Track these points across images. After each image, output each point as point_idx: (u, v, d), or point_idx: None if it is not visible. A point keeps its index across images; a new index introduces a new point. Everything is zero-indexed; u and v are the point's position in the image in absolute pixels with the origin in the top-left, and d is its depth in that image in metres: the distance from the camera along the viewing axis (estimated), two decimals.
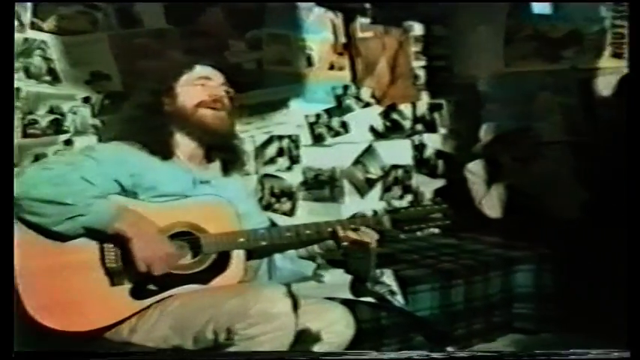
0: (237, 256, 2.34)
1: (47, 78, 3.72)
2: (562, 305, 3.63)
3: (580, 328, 3.38)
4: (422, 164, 4.75)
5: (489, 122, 4.64)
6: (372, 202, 4.53)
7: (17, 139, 3.60)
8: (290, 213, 4.33)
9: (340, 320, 2.36)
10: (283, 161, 4.45)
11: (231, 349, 2.08)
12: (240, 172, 2.65)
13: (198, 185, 2.42)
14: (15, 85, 3.57)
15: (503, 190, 4.38)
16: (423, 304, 3.33)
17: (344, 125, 4.59)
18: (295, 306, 2.09)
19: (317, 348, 2.23)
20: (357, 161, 4.58)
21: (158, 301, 2.22)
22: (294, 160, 4.46)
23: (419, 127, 4.74)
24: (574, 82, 4.92)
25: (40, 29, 3.68)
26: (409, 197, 4.72)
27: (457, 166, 4.61)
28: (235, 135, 2.59)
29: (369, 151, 4.60)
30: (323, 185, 4.50)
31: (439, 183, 4.85)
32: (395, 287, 3.14)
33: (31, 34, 3.66)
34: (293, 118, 4.46)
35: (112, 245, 2.20)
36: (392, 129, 4.68)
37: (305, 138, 4.50)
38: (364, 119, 4.63)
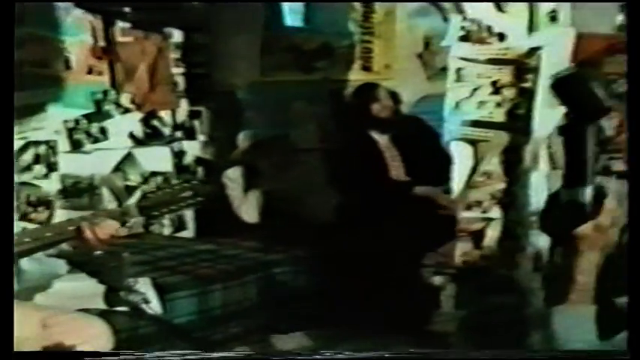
0: None
1: None
2: (318, 304, 3.81)
3: (334, 324, 3.59)
4: (182, 171, 4.78)
5: (247, 129, 4.79)
6: None
7: None
8: (47, 222, 4.19)
9: (100, 335, 2.33)
10: (40, 168, 4.31)
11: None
12: None
13: None
14: None
15: (260, 196, 4.54)
16: (181, 311, 3.36)
17: (103, 131, 4.51)
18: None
19: None
20: (117, 168, 4.53)
21: None
22: (52, 167, 4.33)
23: (178, 133, 4.77)
24: (326, 92, 5.21)
25: None
26: None
27: (216, 172, 4.70)
28: None
29: (128, 157, 4.56)
30: (82, 193, 4.40)
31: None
32: (150, 295, 3.14)
33: None
34: (51, 123, 4.33)
35: None
36: (152, 135, 4.67)
37: (63, 144, 4.38)
38: (124, 125, 4.57)
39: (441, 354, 2.30)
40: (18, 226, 2.59)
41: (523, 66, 3.69)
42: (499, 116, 3.77)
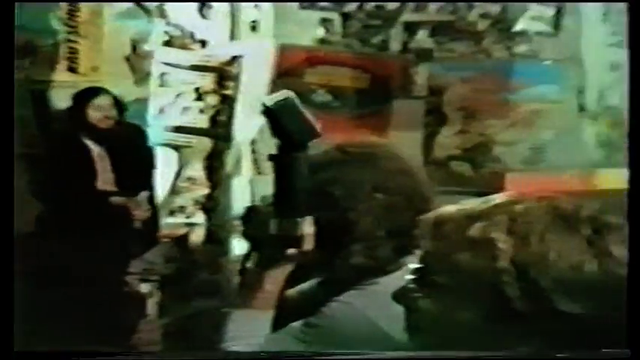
0: None
1: None
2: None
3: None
4: None
5: None
6: None
7: None
8: None
9: None
10: None
11: None
12: None
13: None
14: None
15: None
16: None
17: None
18: None
19: None
20: None
21: None
22: None
23: None
24: (29, 93, 4.92)
25: None
26: None
27: None
28: None
29: None
30: None
31: None
32: None
33: None
34: None
35: None
36: None
37: None
38: None
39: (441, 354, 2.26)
40: None
41: (225, 73, 3.76)
42: (202, 122, 3.81)
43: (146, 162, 4.24)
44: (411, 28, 4.48)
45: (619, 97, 4.35)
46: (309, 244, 1.54)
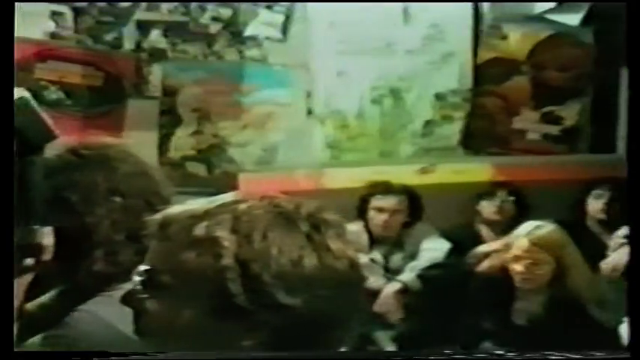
0: None
1: None
2: None
3: None
4: None
5: None
6: None
7: None
8: None
9: None
10: None
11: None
12: None
13: None
14: None
15: None
16: None
17: None
18: None
19: None
20: None
21: None
22: None
23: None
24: None
25: None
26: None
27: None
28: None
29: None
30: None
31: None
32: None
33: None
34: None
35: None
36: None
37: None
38: None
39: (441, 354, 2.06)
40: None
41: None
42: None
43: None
44: (144, 27, 4.43)
45: (343, 102, 4.61)
46: (48, 254, 1.48)
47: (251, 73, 4.52)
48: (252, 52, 4.52)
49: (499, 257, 3.25)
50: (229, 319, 1.05)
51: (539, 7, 4.74)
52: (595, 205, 4.09)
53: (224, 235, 1.06)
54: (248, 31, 4.51)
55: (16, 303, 1.52)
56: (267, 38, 4.52)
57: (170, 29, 4.43)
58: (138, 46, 4.42)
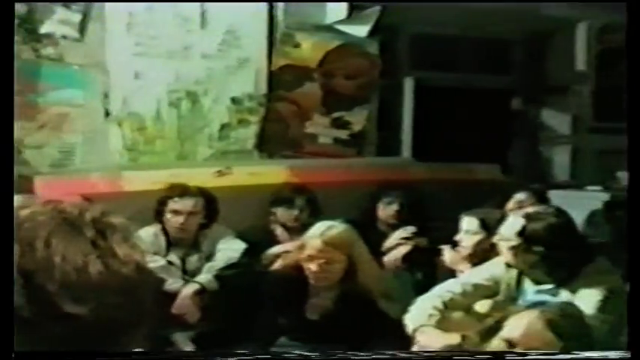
0: None
1: None
2: None
3: None
4: None
5: None
6: None
7: None
8: None
9: None
10: None
11: None
12: None
13: None
14: None
15: None
16: None
17: None
18: None
19: None
20: None
21: None
22: None
23: None
24: None
25: None
26: None
27: None
28: None
29: None
30: None
31: None
32: None
33: None
34: None
35: None
36: None
37: None
38: None
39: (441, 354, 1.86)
40: None
41: None
42: None
43: None
44: None
45: (141, 104, 4.59)
46: None
47: (47, 73, 4.38)
48: (48, 51, 4.38)
49: (293, 257, 3.34)
50: (14, 331, 1.01)
51: (330, 18, 4.99)
52: (387, 211, 4.37)
53: None
54: (44, 29, 4.38)
55: None
56: (64, 37, 4.40)
57: None
58: None
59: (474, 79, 5.81)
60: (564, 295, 2.80)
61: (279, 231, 4.20)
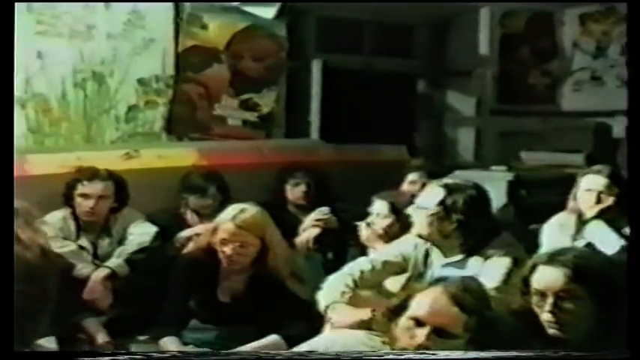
0: None
1: None
2: None
3: None
4: None
5: None
6: None
7: None
8: None
9: None
10: None
11: None
12: None
13: None
14: None
15: None
16: None
17: None
18: None
19: None
20: None
21: None
22: None
23: None
24: None
25: None
26: None
27: None
28: None
29: None
30: None
31: None
32: None
33: None
34: None
35: None
36: None
37: None
38: None
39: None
40: None
41: None
42: None
43: None
44: None
45: (45, 85, 4.48)
46: None
47: None
48: None
49: (205, 240, 3.33)
50: None
51: None
52: (295, 192, 4.42)
53: None
54: None
55: None
56: None
57: None
58: None
59: (380, 62, 5.91)
60: (471, 266, 2.89)
61: (189, 215, 4.19)
